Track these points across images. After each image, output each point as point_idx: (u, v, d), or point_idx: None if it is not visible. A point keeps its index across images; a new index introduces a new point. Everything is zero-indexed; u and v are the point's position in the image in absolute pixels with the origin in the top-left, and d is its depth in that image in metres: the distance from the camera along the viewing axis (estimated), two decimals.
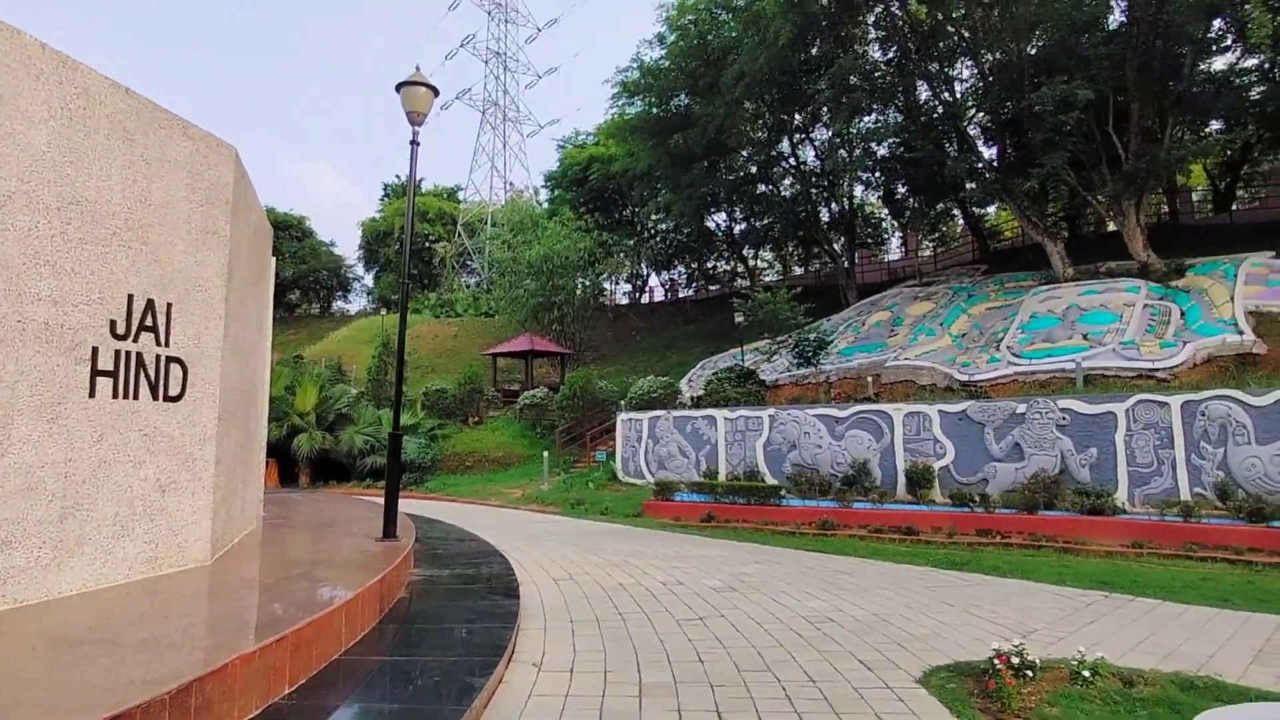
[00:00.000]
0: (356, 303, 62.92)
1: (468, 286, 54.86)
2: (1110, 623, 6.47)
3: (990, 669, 4.47)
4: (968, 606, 6.96)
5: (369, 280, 63.07)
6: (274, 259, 11.98)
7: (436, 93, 8.80)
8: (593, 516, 15.91)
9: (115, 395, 5.46)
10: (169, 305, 5.89)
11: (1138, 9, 20.55)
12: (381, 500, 8.71)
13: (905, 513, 12.97)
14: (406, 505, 17.67)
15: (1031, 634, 5.99)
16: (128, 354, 5.55)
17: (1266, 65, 23.45)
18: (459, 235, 56.14)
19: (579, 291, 35.26)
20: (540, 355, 31.58)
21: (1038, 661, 4.56)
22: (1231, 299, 18.20)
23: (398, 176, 65.50)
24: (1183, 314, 18.40)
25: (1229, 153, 26.99)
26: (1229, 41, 22.75)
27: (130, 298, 5.59)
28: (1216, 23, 21.58)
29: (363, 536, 8.36)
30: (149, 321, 5.72)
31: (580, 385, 24.10)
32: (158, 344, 5.79)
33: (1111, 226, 31.50)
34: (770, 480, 16.03)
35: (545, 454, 21.03)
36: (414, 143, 8.92)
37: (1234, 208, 30.03)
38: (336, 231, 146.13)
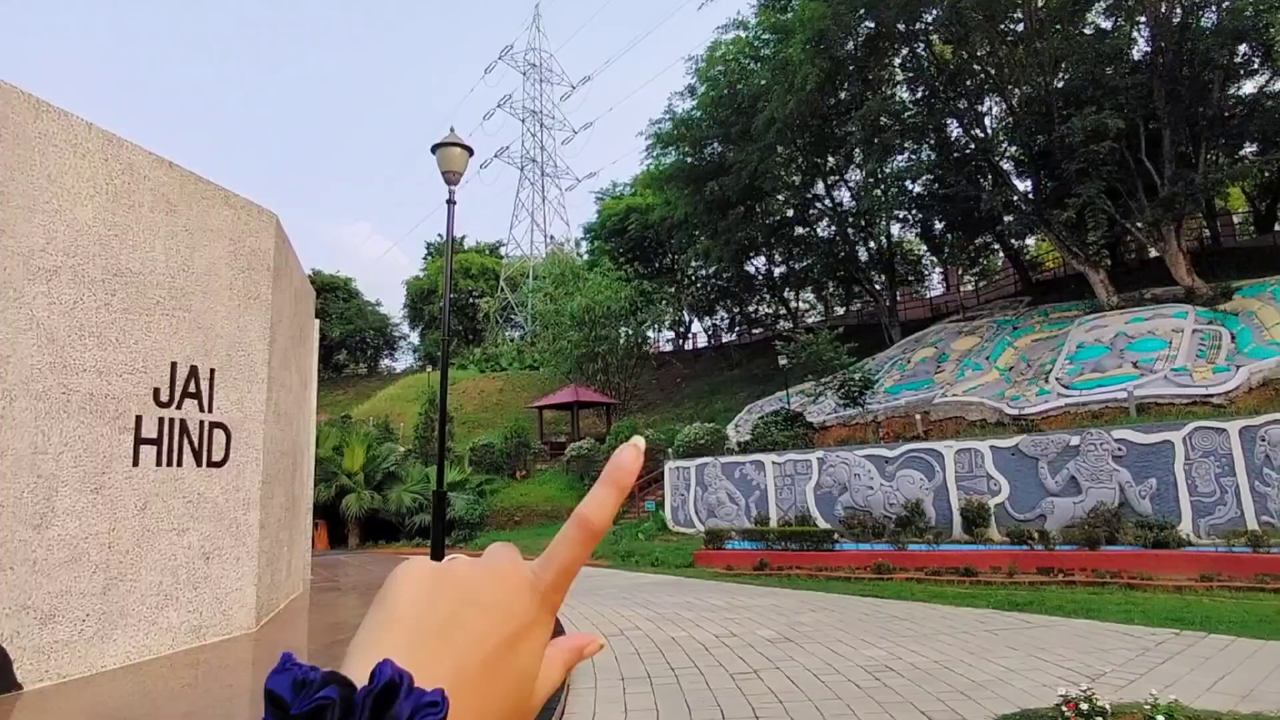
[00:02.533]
0: (403, 360, 64.00)
1: (512, 340, 55.65)
2: (1183, 662, 6.36)
3: (1059, 717, 4.46)
4: (1032, 650, 6.88)
5: (415, 338, 64.36)
6: (318, 321, 12.35)
7: (471, 152, 9.09)
8: (643, 568, 15.94)
9: (159, 463, 5.47)
10: (212, 371, 5.94)
11: (1161, 39, 20.59)
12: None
13: (962, 553, 12.80)
14: None
15: (1100, 677, 5.92)
16: (171, 421, 5.56)
17: None
18: (501, 290, 57.23)
19: (622, 341, 35.59)
20: (586, 406, 31.86)
21: (1109, 707, 4.53)
22: None
23: (439, 235, 67.20)
24: (1233, 337, 18.06)
25: (1265, 175, 26.68)
26: (1256, 65, 22.69)
27: (174, 365, 5.64)
28: (1242, 47, 21.51)
29: None
30: (192, 388, 5.75)
31: (627, 435, 24.20)
32: (201, 410, 5.82)
33: (1153, 253, 31.12)
34: (822, 524, 15.93)
35: None
36: (450, 201, 9.24)
37: (1276, 228, 29.55)
38: (381, 291, 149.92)
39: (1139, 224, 22.11)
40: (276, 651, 3.96)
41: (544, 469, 27.77)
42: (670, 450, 22.37)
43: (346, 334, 56.72)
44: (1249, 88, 23.86)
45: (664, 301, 38.54)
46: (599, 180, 77.27)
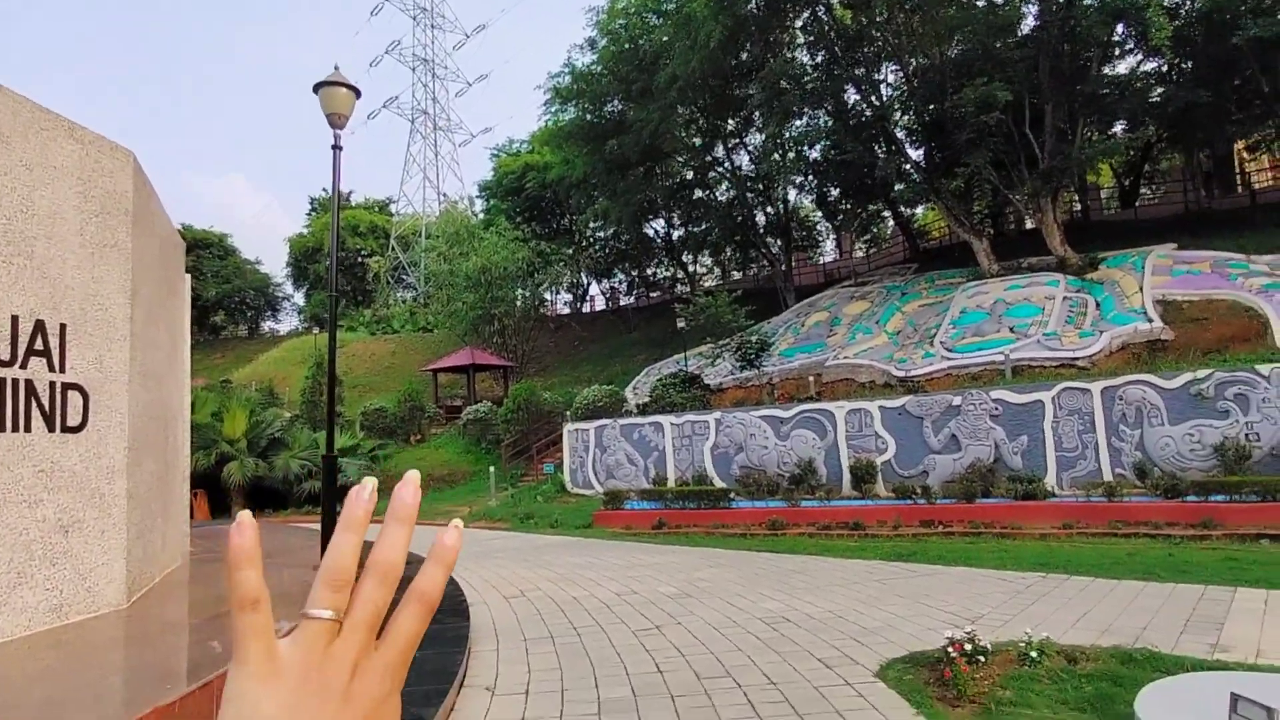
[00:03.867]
0: (287, 322, 60.94)
1: (404, 302, 53.89)
2: (1050, 603, 6.77)
3: (945, 657, 4.64)
4: (917, 597, 7.18)
5: (299, 299, 61.40)
6: (189, 277, 11.39)
7: (358, 94, 8.38)
8: (543, 530, 15.83)
9: (2, 428, 4.92)
10: (62, 326, 5.33)
11: (1048, 14, 21.53)
12: (318, 526, 8.41)
13: (852, 508, 13.29)
14: None
15: (979, 619, 6.23)
16: (15, 382, 4.98)
17: (1165, 68, 24.92)
18: (392, 249, 55.16)
19: (519, 303, 35.00)
20: (482, 369, 31.26)
21: (989, 646, 4.75)
22: (1141, 289, 19.20)
23: (324, 190, 63.82)
24: (1098, 305, 19.34)
25: (1132, 152, 28.57)
26: (1130, 45, 24.09)
27: (14, 319, 5.02)
28: (1119, 27, 22.74)
29: (300, 566, 7.98)
30: (39, 345, 5.16)
31: (524, 398, 23.95)
32: (51, 370, 5.22)
33: (1030, 224, 32.94)
34: (719, 483, 16.22)
35: (491, 469, 20.81)
36: (336, 147, 8.54)
37: (1138, 204, 31.83)
38: (261, 250, 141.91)
39: (1020, 195, 23.26)
40: (150, 628, 3.53)
41: (439, 433, 27.17)
42: (569, 413, 22.25)
43: (224, 294, 53.59)
44: (1123, 68, 25.46)
45: (562, 263, 38.05)
46: (495, 136, 75.17)
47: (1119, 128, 26.14)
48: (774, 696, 4.51)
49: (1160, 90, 24.06)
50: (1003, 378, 16.53)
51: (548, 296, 44.44)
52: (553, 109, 31.72)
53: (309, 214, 62.63)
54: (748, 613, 6.86)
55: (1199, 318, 17.57)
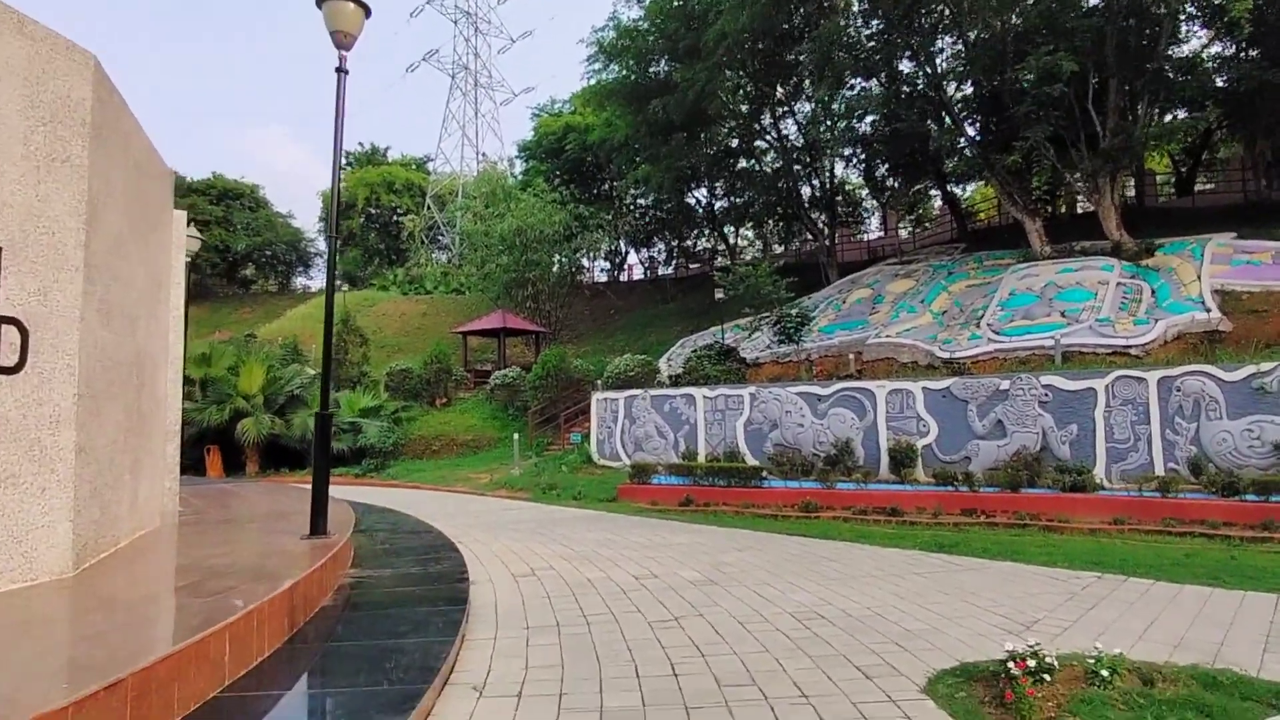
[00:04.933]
0: (319, 279, 60.83)
1: (438, 262, 53.56)
2: (1111, 607, 6.24)
3: (1005, 673, 4.17)
4: (964, 595, 6.70)
5: None
6: (184, 215, 10.38)
7: (368, 11, 7.64)
8: (564, 502, 15.49)
9: None
10: None
11: None
12: (333, 489, 7.90)
13: (889, 493, 12.78)
14: (362, 494, 16.98)
15: (1035, 624, 5.74)
16: None
17: (1235, 48, 23.56)
18: (428, 208, 54.72)
19: (555, 267, 34.49)
20: (514, 334, 30.96)
21: (1055, 663, 4.26)
22: (1199, 277, 18.41)
23: (360, 144, 63.52)
24: (1153, 292, 18.50)
25: (1191, 138, 27.35)
26: (1199, 24, 22.91)
27: None
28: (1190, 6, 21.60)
29: (288, 533, 7.41)
30: None
31: (554, 364, 23.59)
32: None
33: (1082, 208, 31.79)
34: (751, 461, 15.76)
35: (516, 436, 20.50)
36: (341, 70, 7.73)
37: (1196, 190, 30.52)
38: (295, 203, 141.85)
39: (1078, 174, 22.21)
40: (87, 604, 2.72)
41: (466, 397, 26.92)
42: (600, 382, 21.88)
43: (253, 247, 52.57)
44: (1188, 49, 24.21)
45: (600, 229, 37.35)
46: (537, 96, 73.70)
47: (1181, 112, 24.92)
48: (806, 714, 3.99)
49: (1228, 72, 22.85)
50: (1052, 363, 15.85)
51: (584, 263, 43.90)
52: (595, 66, 30.82)
53: (344, 167, 62.23)
54: (777, 605, 6.41)
55: (1258, 309, 16.82)
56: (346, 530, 7.78)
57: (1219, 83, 23.00)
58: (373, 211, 55.78)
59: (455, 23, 59.21)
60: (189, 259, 19.97)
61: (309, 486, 7.57)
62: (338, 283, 51.15)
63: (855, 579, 7.45)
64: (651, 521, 12.34)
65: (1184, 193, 30.81)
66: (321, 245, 59.91)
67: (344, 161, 62.40)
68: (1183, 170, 31.90)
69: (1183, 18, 22.00)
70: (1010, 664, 4.19)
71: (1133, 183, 31.03)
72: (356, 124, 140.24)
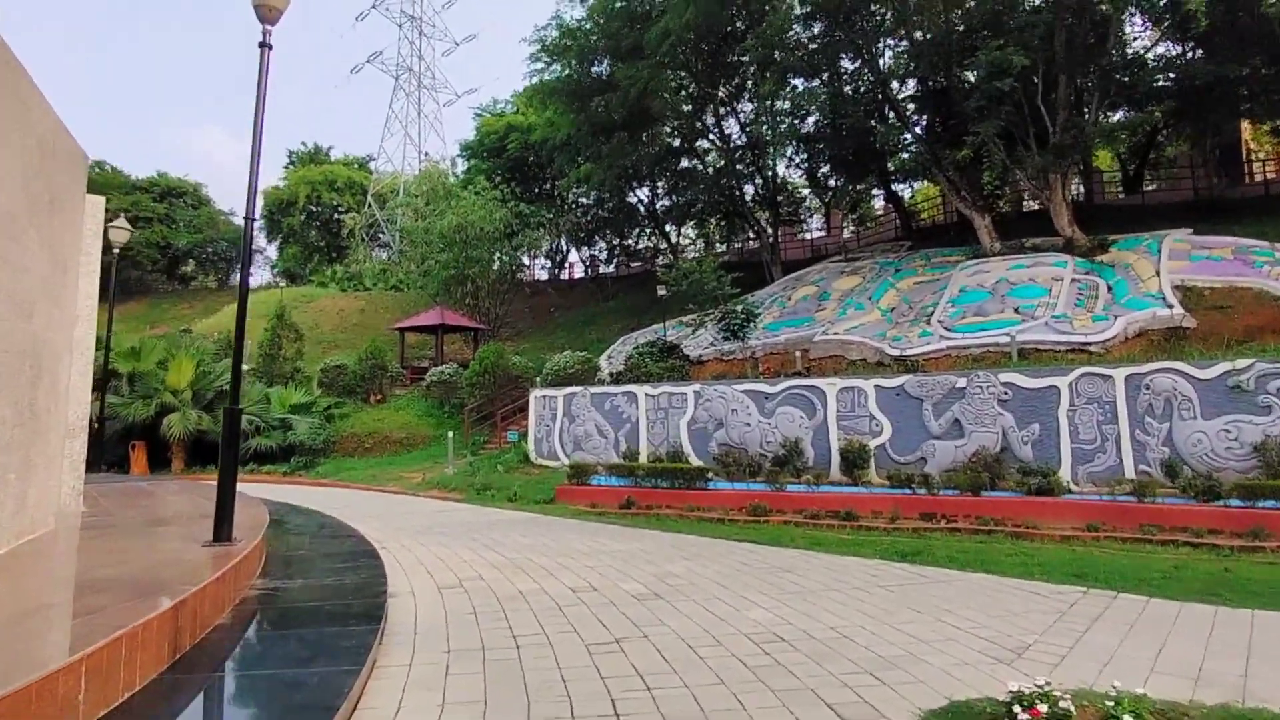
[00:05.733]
0: (259, 276, 58.89)
1: (378, 260, 51.95)
2: (1107, 630, 5.40)
3: (1008, 716, 3.23)
4: (938, 613, 5.79)
5: (272, 252, 59.26)
6: (102, 201, 9.98)
7: None
8: (499, 503, 14.35)
9: None
10: None
11: None
12: (257, 487, 7.04)
13: (843, 495, 11.93)
14: (288, 493, 15.74)
15: (1026, 650, 4.85)
16: None
17: (1184, 46, 23.62)
18: (369, 206, 52.99)
19: (495, 265, 33.32)
20: (452, 330, 29.64)
21: (1072, 710, 3.34)
22: (1158, 273, 18.04)
23: (303, 144, 61.57)
24: (1109, 288, 18.13)
25: (1140, 135, 27.47)
26: (1144, 26, 22.94)
27: None
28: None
29: (191, 540, 6.62)
30: None
31: (492, 360, 22.36)
32: None
33: (1028, 206, 31.79)
34: (695, 461, 14.80)
35: (450, 435, 19.24)
36: (264, 45, 7.04)
37: (1146, 188, 30.69)
38: (237, 201, 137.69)
39: (1027, 171, 21.88)
40: None
41: (402, 394, 25.56)
42: (539, 379, 20.75)
43: (195, 244, 52.11)
44: (1138, 45, 24.21)
45: (541, 227, 36.27)
46: (479, 97, 72.51)
47: (1123, 111, 24.92)
48: None
49: (1178, 70, 22.84)
50: (1008, 360, 15.25)
51: (525, 261, 42.85)
52: (538, 66, 29.81)
53: (285, 167, 60.14)
54: (730, 624, 5.43)
55: (1222, 305, 16.48)
56: (257, 534, 6.94)
57: (1165, 81, 22.98)
58: (313, 209, 54.83)
59: (400, 26, 57.96)
60: (118, 251, 18.61)
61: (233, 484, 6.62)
62: (275, 279, 49.22)
63: (814, 593, 6.50)
64: (590, 525, 11.28)
65: (1132, 191, 30.77)
66: (262, 242, 57.87)
67: (285, 161, 60.69)
68: (1130, 169, 31.96)
69: (1129, 13, 21.91)
70: (1017, 707, 3.26)
71: (1078, 181, 31.16)
72: (300, 124, 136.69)
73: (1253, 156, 30.54)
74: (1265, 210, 22.27)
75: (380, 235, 53.71)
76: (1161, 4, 21.10)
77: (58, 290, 7.30)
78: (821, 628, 5.34)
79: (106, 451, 20.85)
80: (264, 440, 21.67)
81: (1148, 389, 11.87)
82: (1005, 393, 12.80)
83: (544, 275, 46.29)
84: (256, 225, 57.47)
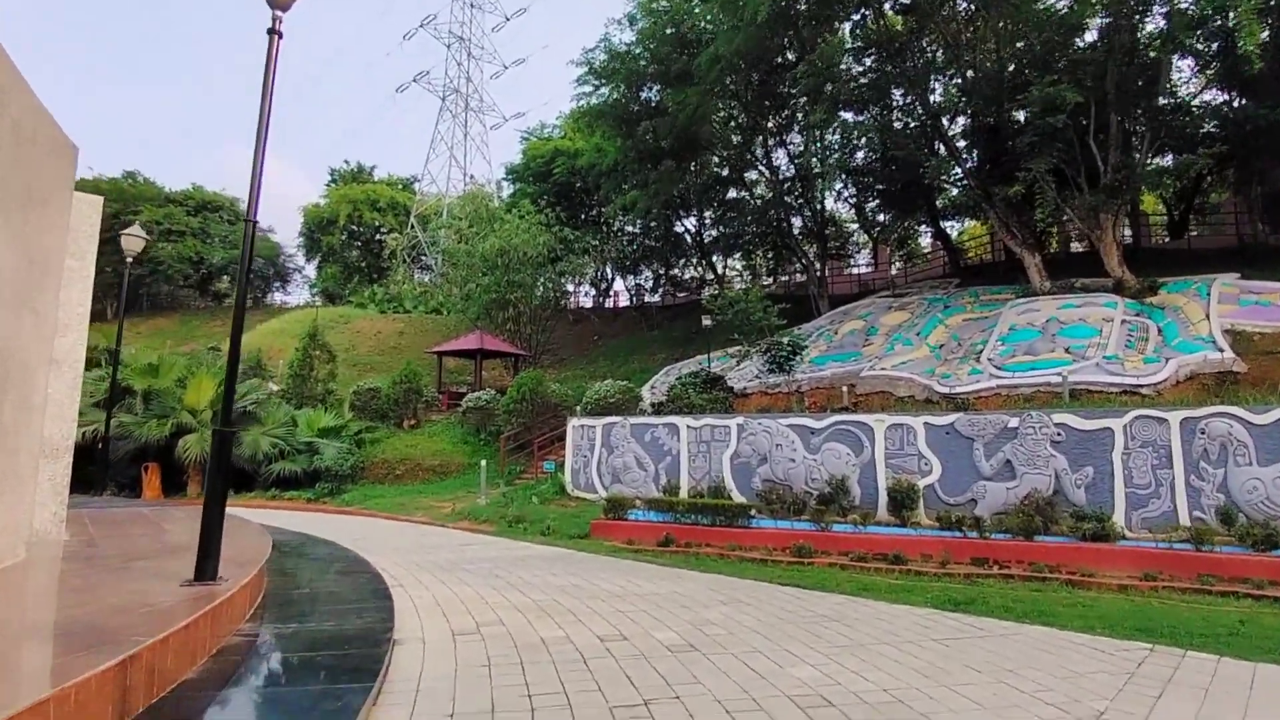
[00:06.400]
0: (297, 295, 59.64)
1: (419, 282, 52.46)
2: (1183, 695, 5.09)
3: None
4: (998, 673, 5.52)
5: (310, 271, 60.21)
6: (94, 199, 9.09)
7: None
8: (531, 537, 14.12)
9: None
10: None
11: (1120, 14, 19.79)
12: (275, 514, 6.78)
13: (891, 537, 11.61)
14: (308, 521, 15.41)
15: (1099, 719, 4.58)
16: None
17: (1232, 90, 23.30)
18: (412, 226, 53.73)
19: (538, 290, 33.48)
20: (491, 355, 29.75)
21: None
22: (1207, 317, 17.74)
23: (346, 162, 62.96)
24: (1160, 330, 17.74)
25: (1183, 181, 27.16)
26: (1188, 72, 22.80)
27: None
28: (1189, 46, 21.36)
29: (170, 577, 6.04)
30: None
31: (530, 387, 22.36)
32: None
33: (1076, 247, 31.30)
34: (738, 497, 14.57)
35: (484, 463, 19.10)
36: (273, 32, 6.73)
37: (1191, 233, 30.27)
38: (276, 218, 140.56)
39: (1079, 210, 21.51)
40: None
41: (437, 420, 25.57)
42: (578, 408, 20.69)
43: (229, 260, 51.50)
44: (1186, 91, 24.07)
45: (586, 253, 36.50)
46: (527, 121, 73.41)
47: (1170, 156, 24.60)
48: None
49: (1226, 116, 22.61)
50: (1059, 400, 14.86)
51: (569, 287, 42.97)
52: (586, 89, 30.14)
53: (327, 184, 61.47)
54: (772, 683, 5.17)
55: (1272, 350, 16.11)
56: (249, 572, 6.43)
57: (1211, 127, 22.77)
58: (354, 228, 55.29)
59: (448, 46, 59.00)
60: (131, 260, 18.87)
61: (246, 511, 6.35)
62: (314, 298, 49.90)
63: (864, 647, 6.26)
64: (625, 564, 11.05)
65: (1177, 235, 30.57)
66: (301, 260, 58.91)
67: (329, 179, 61.90)
68: (1175, 213, 31.62)
69: (1179, 57, 21.71)
70: None
71: (1126, 223, 30.64)
72: (342, 144, 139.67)
73: None
74: None
75: (422, 257, 54.33)
76: (1211, 51, 20.94)
77: (32, 294, 6.62)
78: (873, 689, 5.11)
79: (116, 473, 20.15)
80: (288, 465, 21.23)
81: (1203, 433, 11.47)
82: (1059, 434, 12.43)
83: (588, 302, 46.35)
84: (294, 243, 58.74)
